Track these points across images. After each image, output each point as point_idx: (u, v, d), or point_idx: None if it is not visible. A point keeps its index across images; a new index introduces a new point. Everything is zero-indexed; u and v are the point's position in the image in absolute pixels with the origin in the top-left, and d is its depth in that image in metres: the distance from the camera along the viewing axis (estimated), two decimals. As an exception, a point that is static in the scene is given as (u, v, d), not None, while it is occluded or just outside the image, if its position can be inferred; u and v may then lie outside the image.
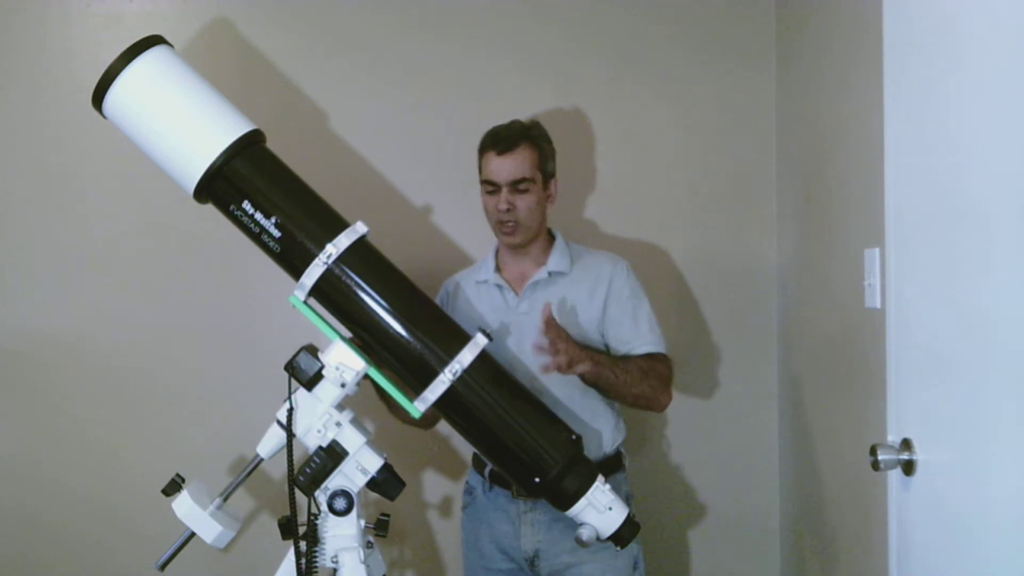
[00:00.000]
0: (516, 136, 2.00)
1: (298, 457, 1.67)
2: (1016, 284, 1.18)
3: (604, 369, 1.88)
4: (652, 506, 2.54)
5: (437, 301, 2.09)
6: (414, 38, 2.54)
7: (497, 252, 2.12)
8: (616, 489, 1.77)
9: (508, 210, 1.98)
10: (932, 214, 1.41)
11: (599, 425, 2.00)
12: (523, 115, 2.14)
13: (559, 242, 2.10)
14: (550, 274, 2.04)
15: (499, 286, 2.06)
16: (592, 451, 1.93)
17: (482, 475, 2.07)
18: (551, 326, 1.80)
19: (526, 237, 2.03)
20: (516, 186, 1.98)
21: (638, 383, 1.95)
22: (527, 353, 1.94)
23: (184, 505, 1.65)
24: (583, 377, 1.87)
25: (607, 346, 2.03)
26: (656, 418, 2.58)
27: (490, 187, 2.00)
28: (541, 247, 2.08)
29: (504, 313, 2.02)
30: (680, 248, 2.60)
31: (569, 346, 1.80)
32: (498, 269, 2.09)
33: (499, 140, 2.00)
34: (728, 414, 2.61)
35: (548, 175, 2.05)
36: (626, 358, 1.99)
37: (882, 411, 1.56)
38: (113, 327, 2.48)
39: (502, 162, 1.98)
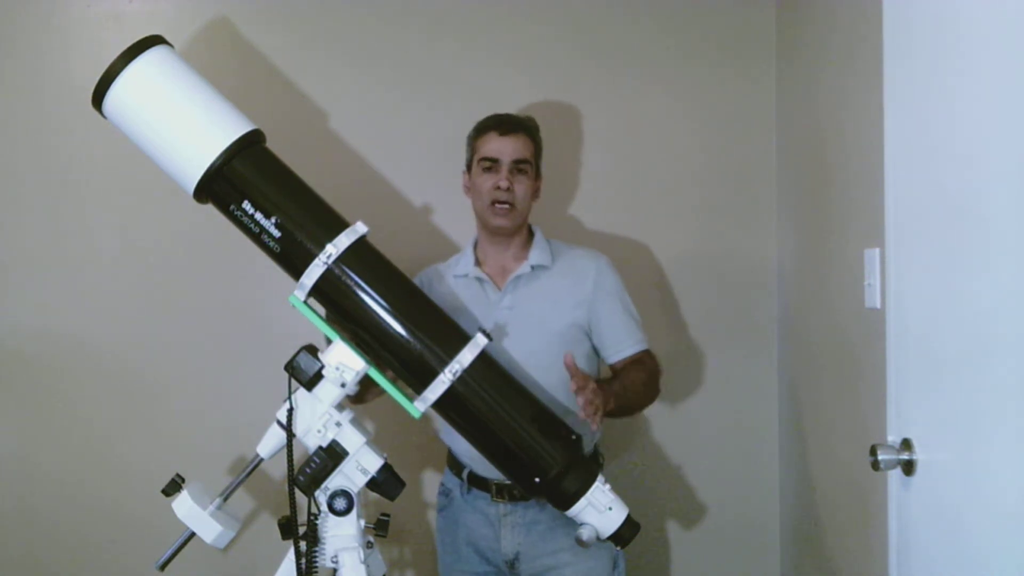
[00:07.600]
0: (518, 123, 2.04)
1: (298, 457, 1.67)
2: (1016, 284, 1.18)
3: (621, 400, 1.90)
4: (652, 506, 2.54)
5: None
6: (414, 38, 2.54)
7: (476, 247, 2.11)
8: None
9: (508, 188, 1.98)
10: (932, 214, 1.41)
11: (578, 426, 1.99)
12: (523, 113, 2.14)
13: (539, 237, 2.10)
14: (533, 268, 2.03)
15: (479, 279, 2.04)
16: None
17: (460, 477, 2.07)
18: (577, 375, 1.73)
19: (516, 222, 2.03)
20: (517, 165, 1.99)
21: (642, 397, 2.02)
22: (512, 347, 1.94)
23: (184, 505, 1.65)
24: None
25: (592, 343, 2.03)
26: (656, 419, 2.58)
27: (488, 163, 2.00)
28: (522, 241, 2.08)
29: (484, 307, 2.01)
30: (680, 248, 2.60)
31: (596, 394, 1.74)
32: (477, 263, 2.08)
33: (502, 122, 2.03)
34: (728, 414, 2.61)
35: (538, 169, 2.08)
36: (626, 375, 1.99)
37: (882, 411, 1.56)
38: (113, 327, 2.48)
39: (505, 141, 2.00)
